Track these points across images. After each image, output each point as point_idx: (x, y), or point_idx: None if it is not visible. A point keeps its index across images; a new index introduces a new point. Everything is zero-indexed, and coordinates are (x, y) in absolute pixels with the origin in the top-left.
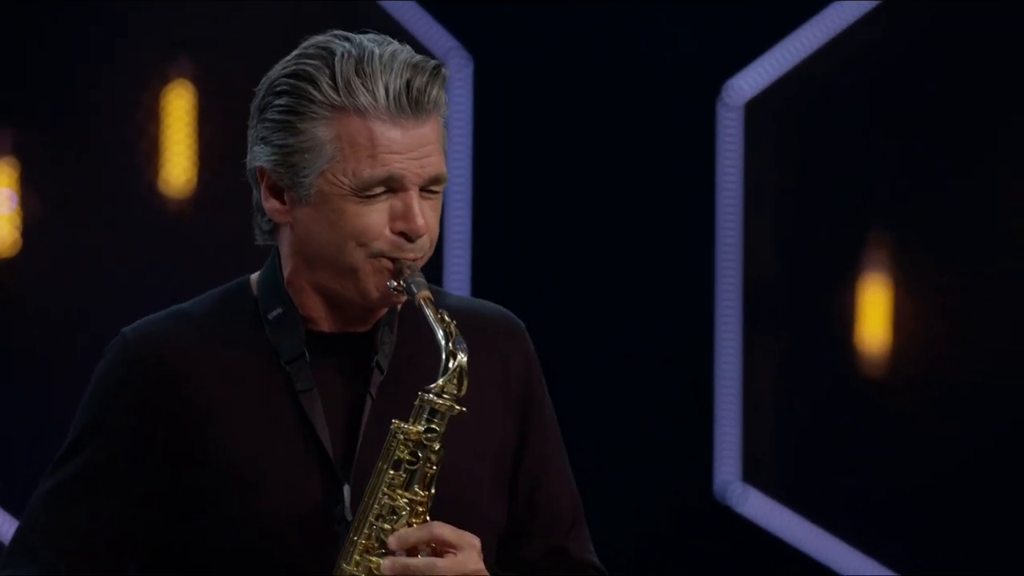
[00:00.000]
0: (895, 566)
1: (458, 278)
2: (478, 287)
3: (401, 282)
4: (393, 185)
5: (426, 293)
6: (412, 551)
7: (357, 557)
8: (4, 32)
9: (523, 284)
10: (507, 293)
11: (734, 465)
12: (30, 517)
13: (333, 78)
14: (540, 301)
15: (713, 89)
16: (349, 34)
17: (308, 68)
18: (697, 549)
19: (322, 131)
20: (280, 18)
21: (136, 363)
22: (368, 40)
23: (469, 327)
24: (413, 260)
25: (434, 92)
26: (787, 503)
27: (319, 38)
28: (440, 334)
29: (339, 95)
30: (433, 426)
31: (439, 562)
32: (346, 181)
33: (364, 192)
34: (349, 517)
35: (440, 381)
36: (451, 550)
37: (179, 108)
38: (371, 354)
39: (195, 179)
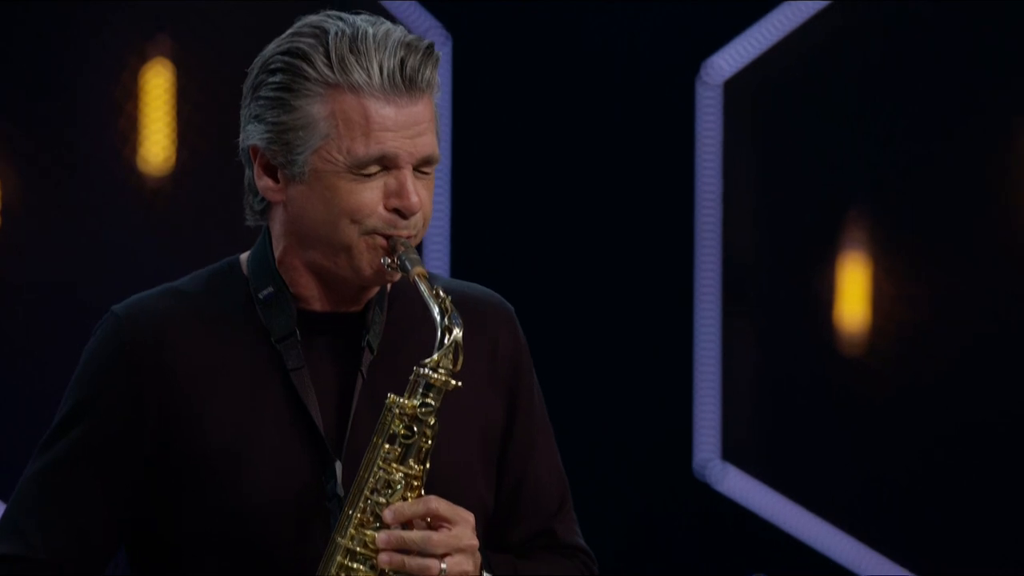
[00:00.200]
0: (873, 543)
1: (437, 255)
2: (457, 264)
3: (395, 259)
4: (387, 163)
5: (420, 269)
6: (407, 525)
7: (352, 531)
8: None
9: (502, 263)
10: (485, 272)
11: (713, 443)
12: (19, 496)
13: (327, 55)
14: (519, 280)
15: (692, 68)
16: (342, 14)
17: (302, 46)
18: (676, 527)
19: (316, 108)
20: None
21: (126, 341)
22: (361, 20)
23: (458, 309)
24: (407, 237)
25: (427, 72)
26: (766, 481)
27: (312, 17)
28: (435, 310)
29: (333, 72)
30: (429, 400)
31: (434, 536)
32: (340, 158)
33: (358, 170)
34: (341, 493)
35: (435, 356)
36: (446, 524)
37: (158, 87)
38: (362, 334)
39: (173, 158)
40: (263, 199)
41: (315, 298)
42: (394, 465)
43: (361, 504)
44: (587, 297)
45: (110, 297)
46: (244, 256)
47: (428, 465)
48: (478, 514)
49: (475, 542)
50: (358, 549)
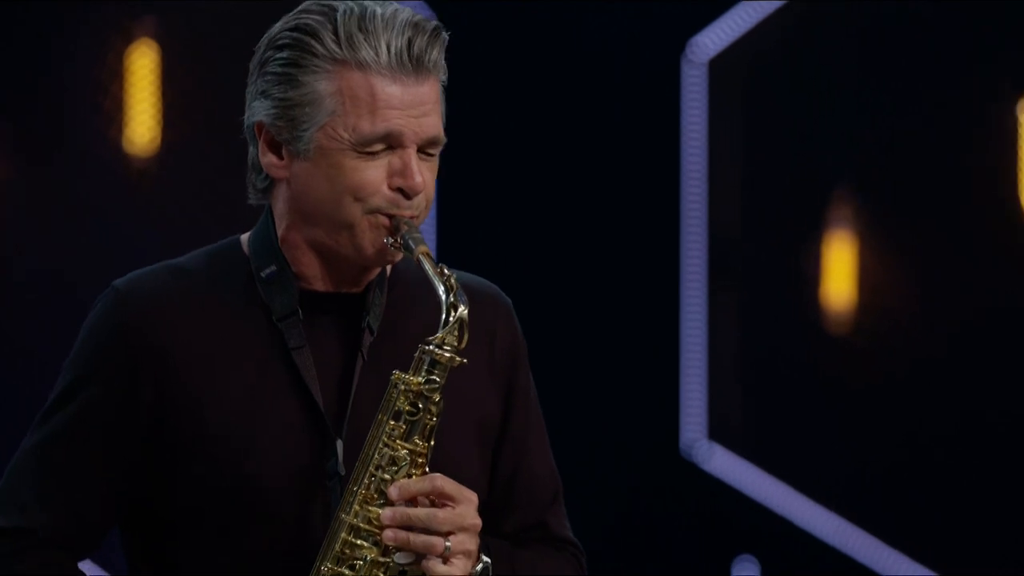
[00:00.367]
0: (860, 522)
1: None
2: (443, 245)
3: (399, 238)
4: (392, 142)
5: (424, 248)
6: (412, 502)
7: (356, 507)
8: None
9: (486, 241)
10: (471, 251)
11: (700, 423)
12: (16, 468)
13: (336, 32)
14: (504, 259)
15: (677, 46)
16: None
17: (311, 22)
18: (663, 506)
19: (323, 85)
20: None
21: (127, 315)
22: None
23: None
24: (410, 217)
25: (434, 53)
26: (753, 460)
27: None
28: (440, 288)
29: (341, 49)
30: (434, 377)
31: (439, 513)
32: (346, 136)
33: (363, 148)
34: (342, 472)
35: (441, 333)
36: (450, 503)
37: (143, 67)
38: (362, 315)
39: (159, 138)
40: (266, 177)
41: (317, 278)
42: (399, 442)
43: (366, 481)
44: (573, 276)
45: (95, 277)
46: (245, 236)
47: (433, 443)
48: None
49: (478, 521)
50: (362, 525)
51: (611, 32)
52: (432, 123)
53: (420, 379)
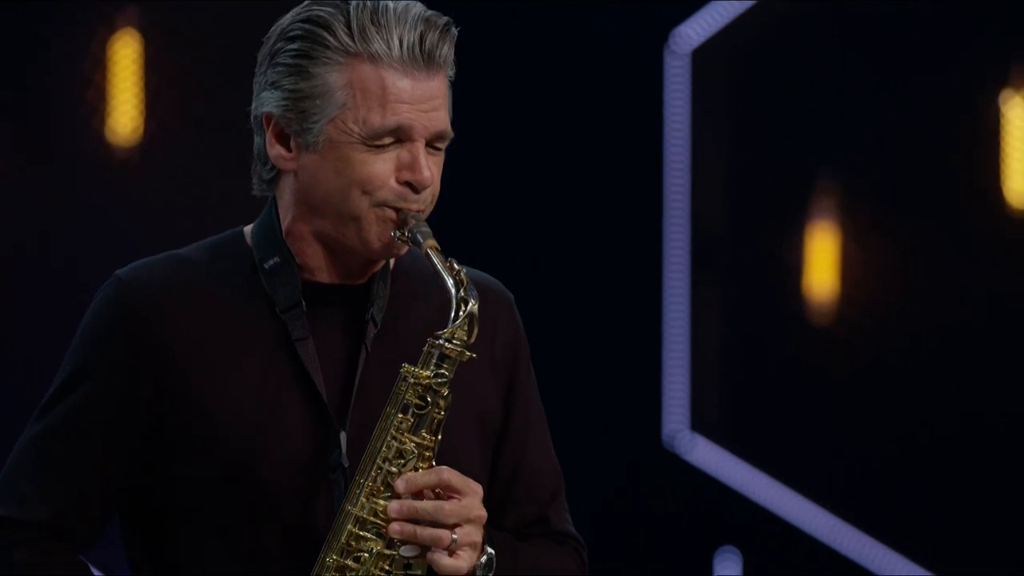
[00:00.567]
0: (842, 513)
1: None
2: None
3: (406, 232)
4: (401, 135)
5: (432, 242)
6: (418, 495)
7: (363, 499)
8: None
9: (465, 233)
10: (452, 242)
11: (682, 414)
12: (16, 460)
13: (348, 25)
14: (483, 252)
15: (660, 36)
16: None
17: (323, 14)
18: (645, 497)
19: (334, 77)
20: None
21: (129, 305)
22: None
23: None
24: (417, 211)
25: (445, 48)
26: (734, 451)
27: None
28: (450, 282)
29: (354, 41)
30: (443, 371)
31: (445, 506)
32: (355, 129)
33: (373, 141)
34: (346, 464)
35: (451, 327)
36: (456, 495)
37: (126, 57)
38: (366, 307)
39: (141, 128)
40: (272, 167)
41: (321, 269)
42: (407, 435)
43: (372, 473)
44: (555, 268)
45: (79, 266)
46: (248, 228)
47: (440, 436)
48: None
49: (484, 513)
50: (368, 518)
51: (594, 23)
52: (441, 117)
53: (429, 372)
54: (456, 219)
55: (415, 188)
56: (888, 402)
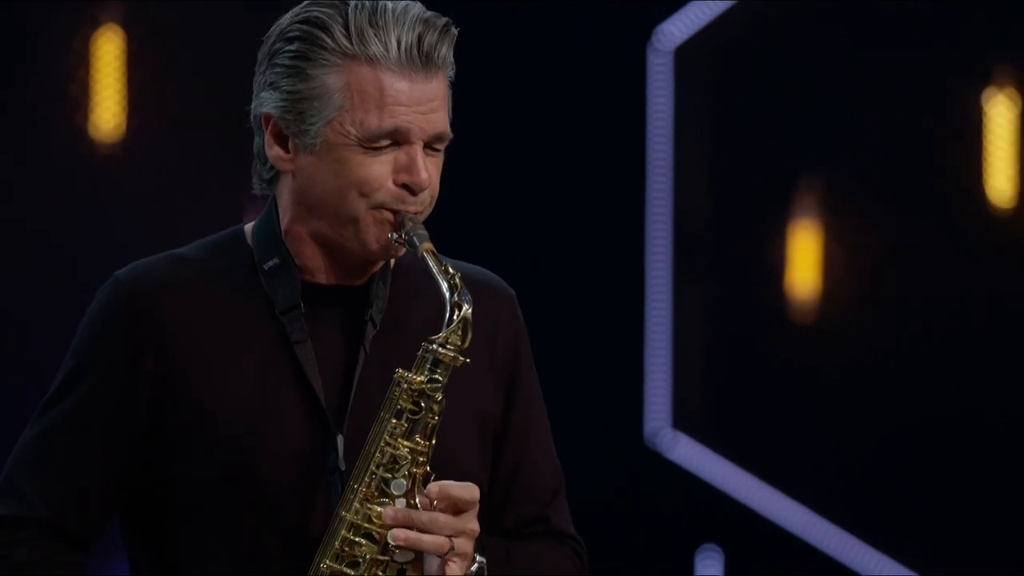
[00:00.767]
0: (824, 511)
1: None
2: None
3: (403, 234)
4: (399, 138)
5: (428, 245)
6: (411, 503)
7: (357, 505)
8: None
9: (451, 225)
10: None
11: (664, 411)
12: (17, 458)
13: (346, 26)
14: (467, 248)
15: (643, 34)
16: None
17: (321, 15)
18: (626, 494)
19: (332, 79)
20: None
21: (129, 305)
22: None
23: None
24: (415, 213)
25: (443, 49)
26: (716, 449)
27: None
28: (444, 286)
29: (351, 43)
30: (436, 376)
31: (440, 518)
32: (353, 131)
33: (370, 143)
34: (342, 467)
35: (444, 332)
36: (461, 511)
37: (108, 53)
38: (365, 308)
39: (124, 124)
40: (271, 167)
41: (320, 270)
42: (400, 440)
43: (367, 479)
44: (538, 265)
45: (60, 265)
46: (248, 226)
47: (434, 441)
48: None
49: (477, 527)
50: (362, 523)
51: (576, 20)
52: (439, 119)
53: (423, 378)
54: (438, 216)
55: (412, 190)
56: (871, 400)
